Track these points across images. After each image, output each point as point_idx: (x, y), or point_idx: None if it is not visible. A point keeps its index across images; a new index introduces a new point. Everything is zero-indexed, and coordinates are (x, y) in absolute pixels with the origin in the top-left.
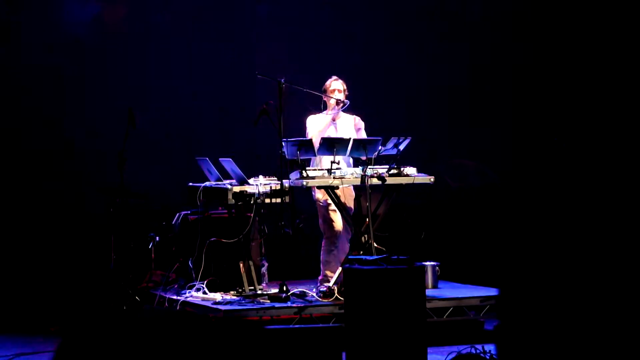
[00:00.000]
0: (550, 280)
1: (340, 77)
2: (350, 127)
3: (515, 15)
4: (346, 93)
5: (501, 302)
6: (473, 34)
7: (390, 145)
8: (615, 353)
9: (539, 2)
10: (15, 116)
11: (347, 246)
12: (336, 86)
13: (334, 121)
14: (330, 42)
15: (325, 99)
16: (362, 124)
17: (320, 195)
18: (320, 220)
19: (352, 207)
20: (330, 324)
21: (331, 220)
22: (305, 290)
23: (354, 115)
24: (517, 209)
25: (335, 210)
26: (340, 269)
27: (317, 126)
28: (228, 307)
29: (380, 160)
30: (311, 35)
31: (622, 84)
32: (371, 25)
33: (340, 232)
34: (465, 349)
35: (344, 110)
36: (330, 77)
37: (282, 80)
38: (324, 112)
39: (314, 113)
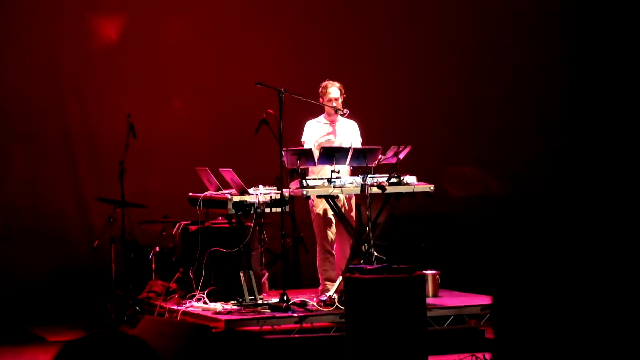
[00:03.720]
0: (546, 285)
1: (339, 82)
2: (350, 132)
3: (515, 17)
4: (344, 96)
5: (496, 311)
6: (474, 42)
7: (390, 154)
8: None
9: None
10: (14, 123)
11: (347, 251)
12: (334, 94)
13: (332, 123)
14: (330, 47)
15: (323, 105)
16: (358, 131)
17: (317, 202)
18: (315, 227)
19: (350, 208)
20: (331, 334)
21: (327, 228)
22: (305, 299)
23: (352, 121)
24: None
25: (331, 218)
26: (340, 277)
27: (314, 134)
28: (229, 317)
29: (380, 169)
30: (311, 39)
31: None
32: (374, 32)
33: (334, 240)
34: (465, 357)
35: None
36: (327, 80)
37: (282, 89)
38: (322, 116)
39: (311, 118)
